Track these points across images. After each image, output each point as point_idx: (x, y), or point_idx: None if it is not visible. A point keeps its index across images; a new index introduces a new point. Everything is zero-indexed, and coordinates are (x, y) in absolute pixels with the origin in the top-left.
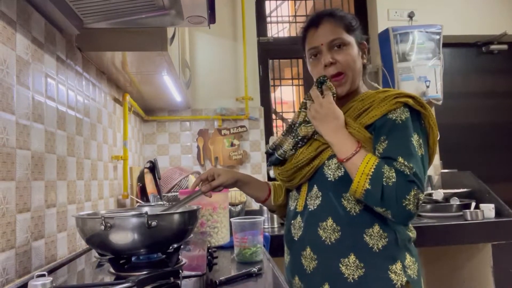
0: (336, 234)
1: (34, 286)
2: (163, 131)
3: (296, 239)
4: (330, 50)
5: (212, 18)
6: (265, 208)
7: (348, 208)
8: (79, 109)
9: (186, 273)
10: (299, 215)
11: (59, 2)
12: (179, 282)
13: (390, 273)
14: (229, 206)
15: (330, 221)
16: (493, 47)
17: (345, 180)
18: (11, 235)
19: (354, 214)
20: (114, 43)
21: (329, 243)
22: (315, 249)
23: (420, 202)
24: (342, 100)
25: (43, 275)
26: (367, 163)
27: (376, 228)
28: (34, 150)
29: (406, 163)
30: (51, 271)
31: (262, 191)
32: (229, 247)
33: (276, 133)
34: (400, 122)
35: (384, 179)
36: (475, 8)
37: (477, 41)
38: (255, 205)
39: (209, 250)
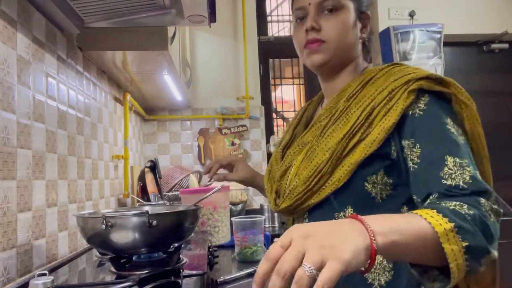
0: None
1: (35, 285)
2: (164, 130)
3: None
4: (319, 13)
5: (212, 17)
6: (266, 207)
7: None
8: (79, 108)
9: (187, 272)
10: None
11: (60, 2)
12: (180, 281)
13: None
14: (230, 205)
15: None
16: (494, 46)
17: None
18: (12, 234)
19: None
20: (115, 43)
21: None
22: None
23: (494, 205)
24: (333, 76)
25: (44, 274)
26: (436, 221)
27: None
28: (35, 149)
29: (458, 160)
30: (52, 270)
31: None
32: (229, 246)
33: (277, 132)
34: (422, 112)
35: (466, 218)
36: (476, 7)
37: (478, 40)
38: (256, 204)
39: (210, 249)
